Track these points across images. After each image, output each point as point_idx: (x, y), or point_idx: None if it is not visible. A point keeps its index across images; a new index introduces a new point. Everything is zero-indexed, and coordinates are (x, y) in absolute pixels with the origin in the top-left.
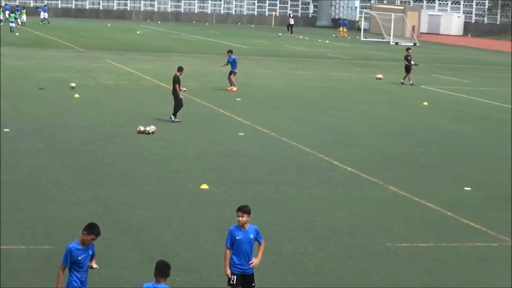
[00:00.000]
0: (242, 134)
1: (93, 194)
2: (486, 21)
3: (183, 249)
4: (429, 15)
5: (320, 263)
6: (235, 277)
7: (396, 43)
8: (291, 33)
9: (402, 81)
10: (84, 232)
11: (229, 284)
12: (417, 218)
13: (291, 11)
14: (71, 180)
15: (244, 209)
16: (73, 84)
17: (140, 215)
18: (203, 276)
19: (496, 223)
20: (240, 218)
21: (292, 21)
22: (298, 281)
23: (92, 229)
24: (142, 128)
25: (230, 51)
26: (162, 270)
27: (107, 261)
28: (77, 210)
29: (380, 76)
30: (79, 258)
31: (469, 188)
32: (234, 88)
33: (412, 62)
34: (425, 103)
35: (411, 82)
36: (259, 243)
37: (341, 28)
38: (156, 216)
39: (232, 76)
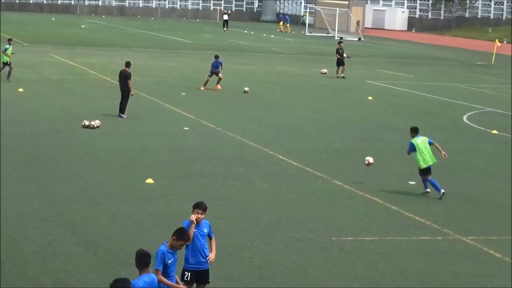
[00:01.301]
0: (187, 128)
1: (38, 189)
2: (430, 16)
3: (129, 244)
4: (374, 10)
5: (266, 257)
6: (189, 273)
7: (341, 38)
8: (226, 28)
9: (337, 75)
10: (174, 237)
11: (182, 279)
12: (362, 212)
13: (224, 9)
14: (15, 175)
15: (203, 207)
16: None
17: (85, 210)
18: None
19: (440, 217)
20: (200, 216)
21: (226, 17)
22: (244, 275)
23: (182, 235)
24: (87, 123)
25: (216, 56)
26: (142, 259)
27: (52, 256)
28: (21, 205)
29: (325, 70)
30: (169, 261)
31: (414, 182)
32: (219, 87)
33: (345, 55)
34: (370, 98)
35: (342, 75)
36: (210, 238)
37: (281, 23)
38: (101, 211)
39: (210, 77)
